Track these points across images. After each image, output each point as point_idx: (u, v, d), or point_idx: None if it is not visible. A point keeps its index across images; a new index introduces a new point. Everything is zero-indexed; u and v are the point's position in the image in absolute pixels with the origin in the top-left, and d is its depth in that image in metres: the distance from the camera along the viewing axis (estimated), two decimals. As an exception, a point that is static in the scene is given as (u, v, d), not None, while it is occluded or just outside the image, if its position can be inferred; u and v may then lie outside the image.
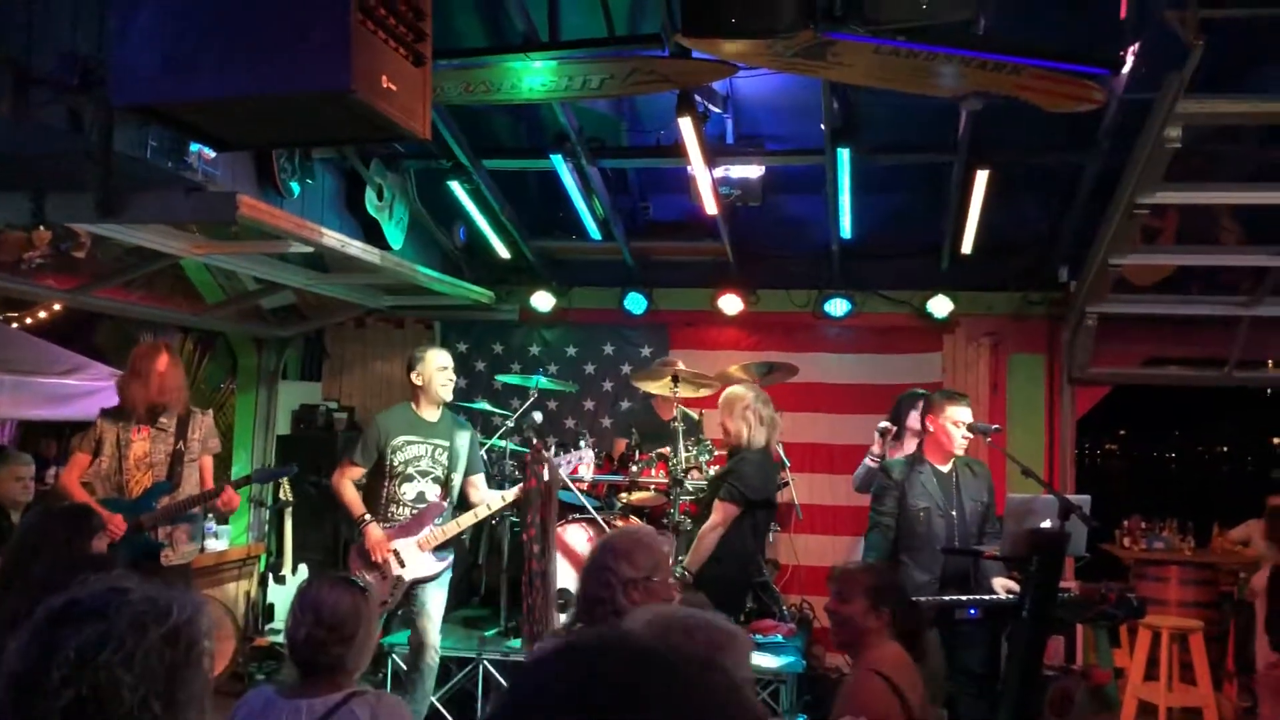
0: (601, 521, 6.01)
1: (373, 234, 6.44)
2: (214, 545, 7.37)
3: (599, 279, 7.88)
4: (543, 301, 7.77)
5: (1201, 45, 4.59)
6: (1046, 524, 4.43)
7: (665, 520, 6.15)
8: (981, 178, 6.14)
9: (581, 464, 5.85)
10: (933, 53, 4.87)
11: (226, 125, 3.59)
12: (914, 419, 5.63)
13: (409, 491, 5.43)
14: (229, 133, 3.68)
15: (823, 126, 5.99)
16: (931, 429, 4.98)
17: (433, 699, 5.85)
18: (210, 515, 7.30)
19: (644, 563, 3.01)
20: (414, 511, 5.42)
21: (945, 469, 5.00)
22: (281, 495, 7.36)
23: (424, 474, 5.45)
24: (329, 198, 6.16)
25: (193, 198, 4.18)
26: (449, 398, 5.51)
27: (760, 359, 7.00)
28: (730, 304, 7.59)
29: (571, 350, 8.04)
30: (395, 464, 5.39)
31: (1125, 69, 5.13)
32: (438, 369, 5.48)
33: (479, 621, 6.59)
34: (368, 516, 5.36)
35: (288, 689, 2.62)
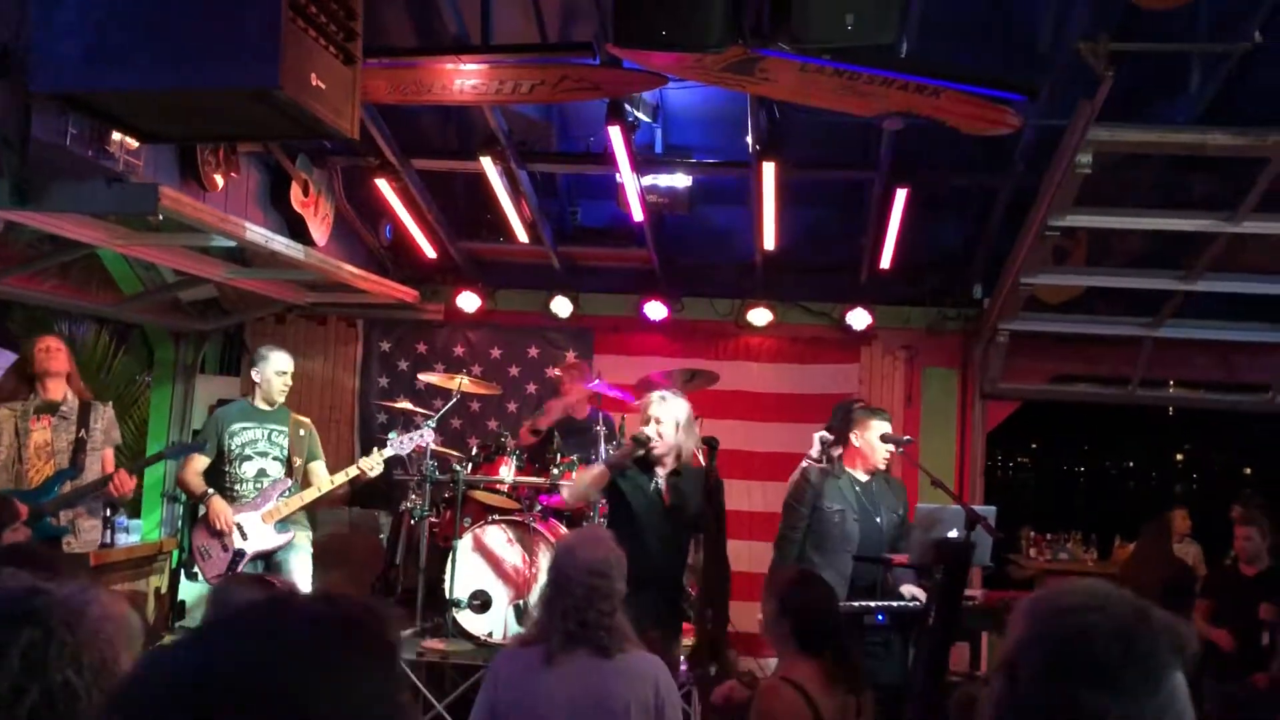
0: (546, 525, 6.06)
1: (298, 230, 6.40)
2: (125, 540, 7.23)
3: (525, 282, 7.91)
4: (468, 303, 7.77)
5: (1111, 76, 4.78)
6: (953, 534, 4.57)
7: (585, 523, 6.20)
8: (901, 196, 6.30)
9: (424, 443, 5.89)
10: (856, 72, 5.00)
11: (150, 117, 3.57)
12: (855, 436, 5.74)
13: (249, 470, 5.62)
14: (153, 124, 3.67)
15: (749, 140, 6.09)
16: (856, 443, 5.11)
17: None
18: (120, 508, 7.20)
19: (623, 572, 3.04)
20: (258, 488, 5.59)
21: (864, 479, 5.13)
22: (188, 498, 7.25)
23: (263, 454, 5.66)
24: (254, 192, 6.11)
25: (114, 188, 4.13)
26: (282, 400, 5.76)
27: (683, 366, 7.07)
28: (655, 310, 7.67)
29: (496, 352, 8.04)
30: (233, 448, 5.60)
31: (1040, 96, 5.32)
32: (276, 372, 5.71)
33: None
34: (210, 491, 5.54)
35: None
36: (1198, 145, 5.22)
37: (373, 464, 5.72)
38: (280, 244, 5.56)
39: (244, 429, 5.66)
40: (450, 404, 6.48)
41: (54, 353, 5.36)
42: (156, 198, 4.15)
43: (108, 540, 6.78)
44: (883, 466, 5.08)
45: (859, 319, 7.50)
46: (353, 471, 5.71)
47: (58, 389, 5.37)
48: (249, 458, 5.63)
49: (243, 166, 5.88)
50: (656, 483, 4.68)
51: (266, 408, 5.73)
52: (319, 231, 6.55)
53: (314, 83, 3.30)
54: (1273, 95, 5.37)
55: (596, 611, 2.86)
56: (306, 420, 5.93)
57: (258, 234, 5.23)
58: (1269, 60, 5.16)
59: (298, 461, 5.73)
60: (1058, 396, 7.82)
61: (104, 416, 5.48)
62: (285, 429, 5.72)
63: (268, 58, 2.99)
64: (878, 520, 5.03)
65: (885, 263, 7.06)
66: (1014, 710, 1.40)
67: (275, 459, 5.68)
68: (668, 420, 4.68)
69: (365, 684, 0.93)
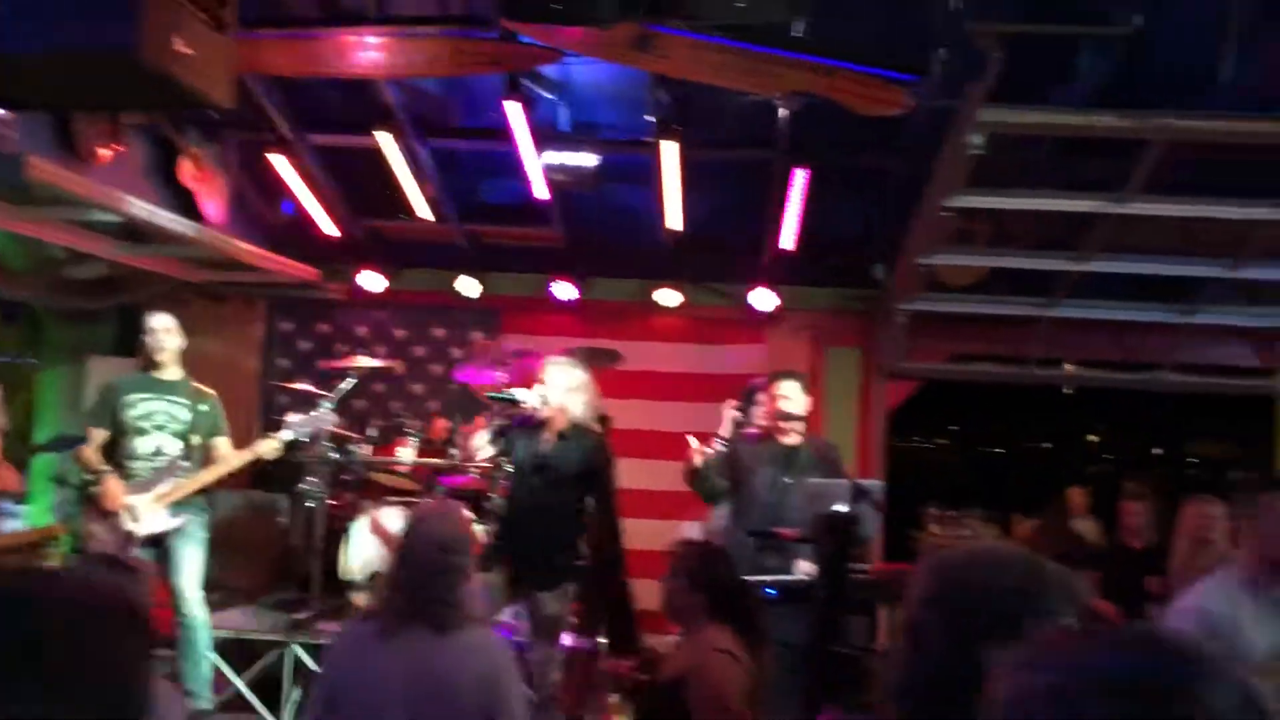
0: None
1: (190, 206, 6.24)
2: (13, 525, 7.02)
3: (430, 261, 7.82)
4: (372, 282, 7.66)
5: (999, 58, 4.86)
6: (840, 507, 4.62)
7: (485, 504, 6.15)
8: (800, 176, 6.34)
9: (323, 426, 5.75)
10: (749, 51, 5.02)
11: (12, 82, 3.44)
12: (758, 413, 5.81)
13: (145, 445, 5.35)
14: (16, 91, 3.53)
15: (648, 118, 6.08)
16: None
17: (239, 682, 5.74)
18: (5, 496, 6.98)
19: (471, 547, 3.03)
20: (153, 468, 5.35)
21: (786, 443, 5.24)
22: (86, 475, 7.05)
23: (159, 428, 5.39)
24: (142, 166, 5.94)
25: (-22, 158, 3.98)
26: (160, 358, 5.44)
27: (591, 345, 7.06)
28: (563, 291, 7.64)
29: (401, 332, 7.95)
30: (129, 419, 5.34)
31: (933, 76, 5.39)
32: (162, 330, 5.44)
33: (293, 605, 6.46)
34: (105, 468, 5.30)
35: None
36: (1085, 127, 5.33)
37: (270, 448, 5.52)
38: (167, 219, 5.42)
39: (141, 400, 5.38)
40: (348, 385, 6.35)
41: None
42: (21, 166, 4.00)
43: (-7, 526, 6.59)
44: (783, 423, 5.23)
45: (764, 300, 7.55)
46: (249, 456, 5.50)
47: None
48: (145, 432, 5.35)
49: (131, 140, 5.70)
50: (540, 444, 4.84)
51: (166, 378, 5.46)
52: (213, 207, 6.39)
53: (179, 48, 3.19)
54: (1162, 79, 5.50)
55: (438, 587, 2.83)
56: (211, 393, 5.65)
57: (141, 208, 5.09)
58: (1159, 44, 5.28)
59: (196, 439, 5.48)
60: (957, 376, 7.96)
61: None
62: (186, 402, 5.45)
63: (123, 16, 2.89)
64: (785, 482, 5.13)
65: (788, 244, 7.11)
66: (920, 668, 1.44)
67: (173, 434, 5.40)
68: (554, 384, 4.83)
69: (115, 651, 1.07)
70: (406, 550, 2.90)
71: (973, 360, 7.79)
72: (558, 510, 4.90)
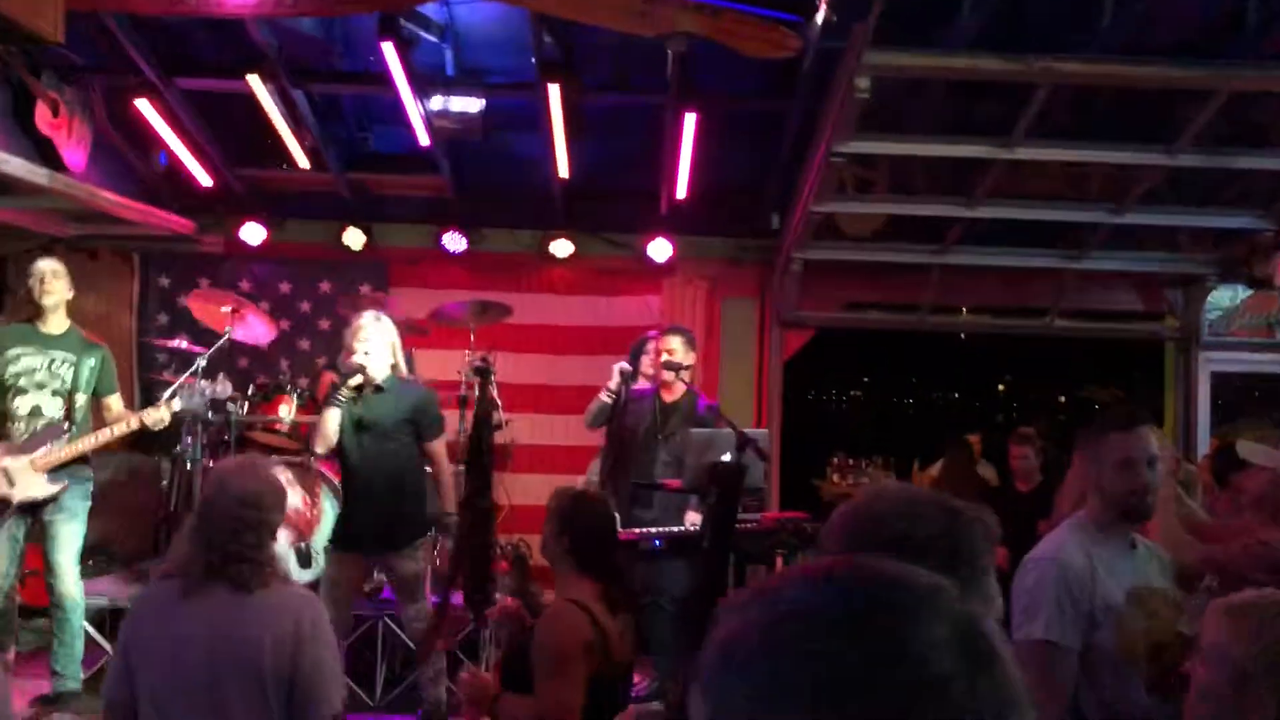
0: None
1: (49, 154, 5.90)
2: None
3: (314, 212, 7.52)
4: (252, 234, 7.35)
5: (884, -1, 4.78)
6: (726, 457, 4.57)
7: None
8: (690, 121, 6.21)
9: (219, 394, 5.53)
10: (629, -13, 4.86)
11: None
12: (645, 363, 5.77)
13: (23, 405, 5.09)
14: None
15: (532, 60, 5.89)
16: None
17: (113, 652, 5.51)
18: None
19: (280, 505, 2.90)
20: (31, 429, 5.09)
21: (669, 401, 5.40)
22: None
23: (40, 386, 5.13)
24: (-9, 111, 5.59)
25: None
26: (47, 303, 5.15)
27: (482, 299, 6.88)
28: (453, 242, 7.43)
29: (285, 287, 7.68)
30: (7, 376, 5.08)
31: (819, 17, 5.29)
32: (31, 276, 5.16)
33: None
34: None
35: None
36: (969, 70, 5.31)
37: (158, 418, 5.23)
38: (18, 166, 5.10)
39: (21, 355, 5.08)
40: (218, 343, 6.10)
41: None
42: None
43: None
44: (666, 378, 5.38)
45: (660, 250, 7.43)
46: (134, 424, 5.20)
47: None
48: (24, 390, 5.07)
49: (-24, 83, 5.35)
50: (355, 401, 4.82)
51: (51, 331, 5.15)
52: (74, 155, 6.05)
53: (-7, -27, 2.95)
54: (1046, 23, 5.47)
55: (240, 544, 2.71)
56: (101, 345, 5.35)
57: (-16, 154, 4.77)
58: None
59: (81, 399, 5.19)
60: (851, 324, 7.96)
61: None
62: (72, 357, 5.16)
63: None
64: (659, 438, 5.25)
65: (681, 192, 7.00)
66: None
67: (55, 393, 5.12)
68: (381, 341, 4.81)
69: None
70: (207, 508, 2.76)
71: (867, 308, 7.80)
72: (390, 465, 4.84)
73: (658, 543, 4.72)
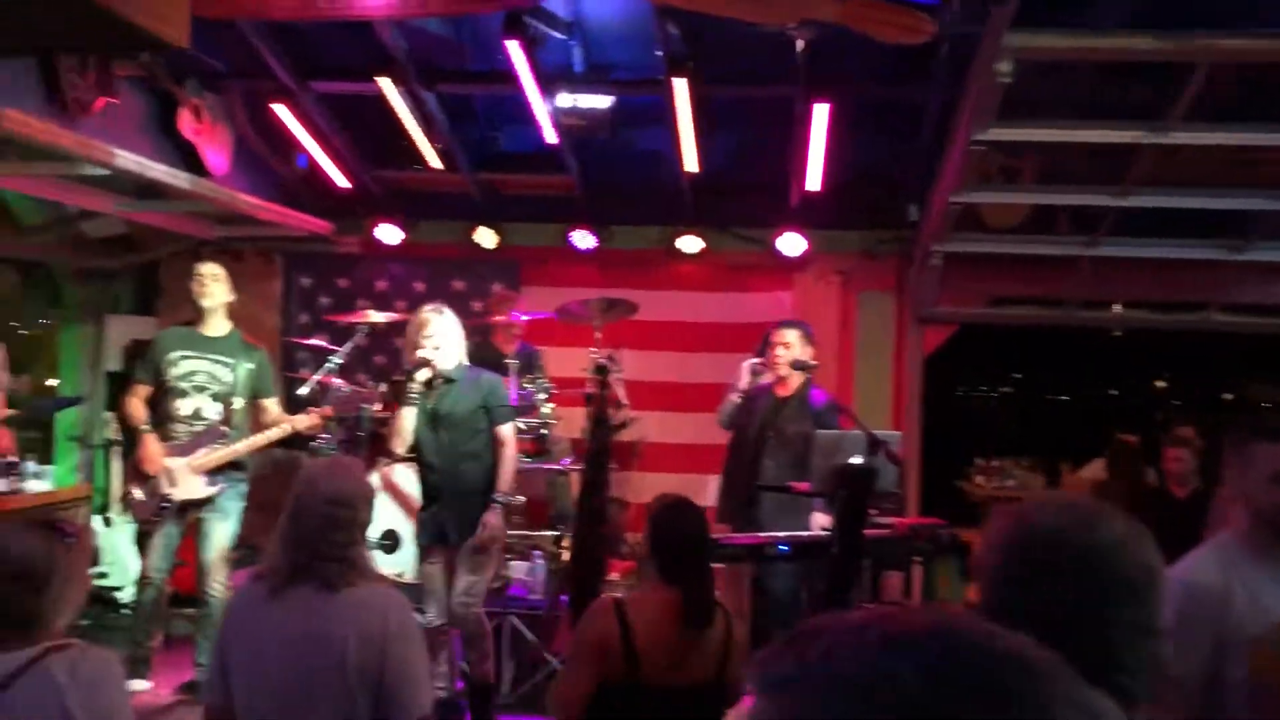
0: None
1: (194, 159, 6.10)
2: (37, 486, 7.02)
3: (447, 212, 7.61)
4: (388, 235, 7.49)
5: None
6: (856, 459, 4.39)
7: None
8: (821, 111, 6.02)
9: (368, 402, 5.60)
10: (755, -25, 4.72)
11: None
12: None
13: (184, 407, 5.25)
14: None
15: (659, 54, 5.80)
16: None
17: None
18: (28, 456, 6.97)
19: (371, 504, 2.88)
20: (192, 430, 5.24)
21: (782, 396, 5.25)
22: (109, 434, 7.05)
23: (200, 389, 5.27)
24: (139, 119, 5.80)
25: (-64, 109, 3.84)
26: (206, 303, 5.35)
27: (610, 296, 6.84)
28: (582, 240, 7.42)
29: (420, 286, 7.79)
30: (171, 378, 5.24)
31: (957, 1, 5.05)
32: (194, 281, 5.38)
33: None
34: (145, 427, 5.22)
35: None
36: (1120, 50, 4.98)
37: (311, 424, 5.41)
38: (161, 172, 5.28)
39: (184, 358, 5.25)
40: (353, 341, 6.22)
41: None
42: (-10, 119, 3.86)
43: (12, 489, 6.58)
44: (784, 373, 5.21)
45: (792, 244, 7.25)
46: (288, 429, 5.37)
47: None
48: (185, 393, 5.24)
49: (123, 91, 5.54)
50: (427, 396, 4.79)
51: (212, 334, 5.33)
52: (216, 160, 6.24)
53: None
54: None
55: (329, 543, 2.67)
56: (260, 351, 5.51)
57: (129, 160, 4.95)
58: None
59: (238, 402, 5.34)
60: (995, 319, 7.63)
61: None
62: (231, 361, 5.31)
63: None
64: (783, 435, 5.11)
65: (814, 184, 6.80)
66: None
67: (214, 396, 5.28)
68: (447, 335, 4.78)
69: None
70: (298, 508, 2.73)
71: (1012, 303, 7.45)
72: (468, 457, 4.80)
73: (784, 547, 4.56)
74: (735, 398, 5.55)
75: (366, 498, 2.81)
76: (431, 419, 4.77)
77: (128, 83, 5.65)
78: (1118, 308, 7.83)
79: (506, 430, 4.88)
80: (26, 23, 3.17)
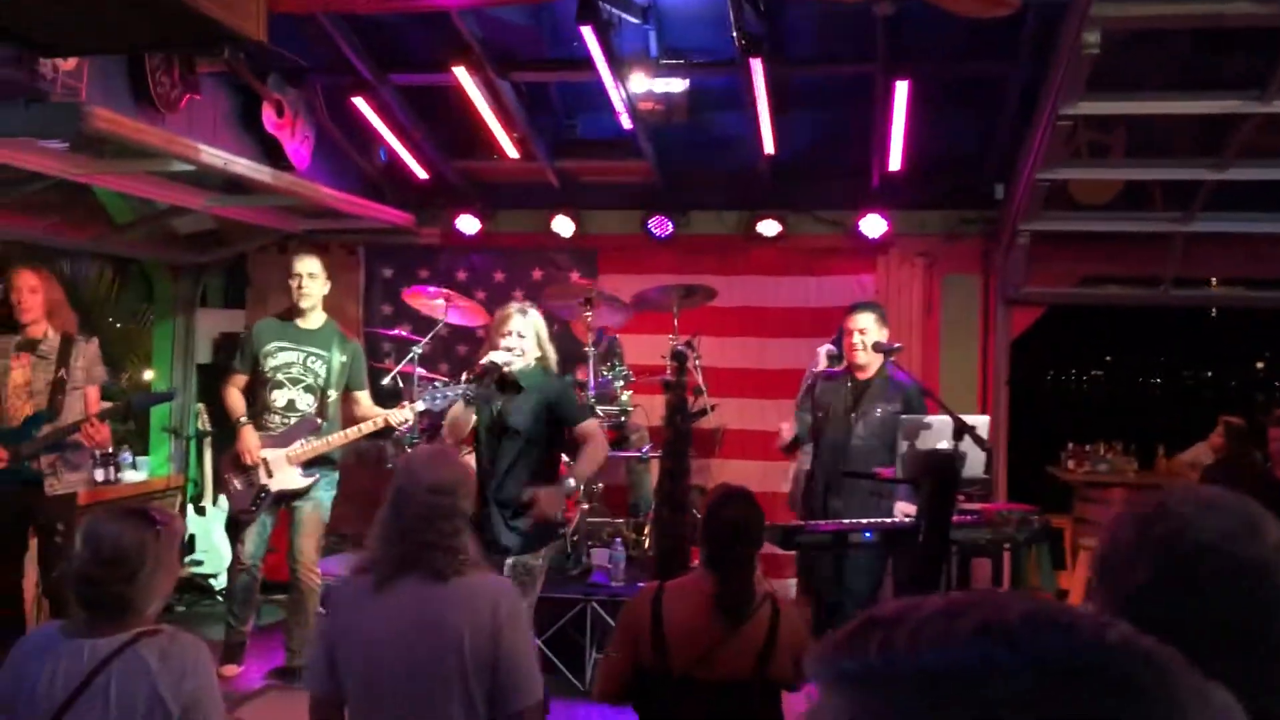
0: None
1: (276, 154, 6.20)
2: (133, 476, 7.25)
3: (525, 201, 7.63)
4: (467, 225, 7.54)
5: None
6: (943, 445, 4.30)
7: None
8: (902, 89, 5.89)
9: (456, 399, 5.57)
10: (832, -49, 4.62)
11: (39, 25, 3.35)
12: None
13: (279, 398, 5.36)
14: (45, 34, 3.45)
15: (735, 36, 5.72)
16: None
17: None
18: (125, 447, 7.19)
19: (472, 494, 2.87)
20: (286, 421, 5.35)
21: (863, 379, 5.12)
22: (200, 425, 7.22)
23: (295, 381, 5.38)
24: (223, 115, 5.90)
25: (33, 109, 3.94)
26: (304, 305, 5.41)
27: (689, 282, 6.80)
28: (659, 226, 7.38)
29: (500, 275, 7.83)
30: (267, 370, 5.34)
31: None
32: (291, 275, 5.42)
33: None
34: (244, 419, 5.34)
35: (72, 628, 2.45)
36: (1214, 16, 4.77)
37: (402, 419, 5.41)
38: (244, 166, 5.37)
39: (280, 349, 5.36)
40: (433, 331, 6.28)
41: (28, 291, 5.19)
42: (81, 117, 3.95)
43: (111, 479, 6.79)
44: (861, 360, 5.09)
45: (874, 226, 7.13)
46: (380, 423, 5.42)
47: (37, 327, 5.24)
48: (280, 385, 5.36)
49: (207, 88, 5.65)
50: (497, 401, 4.51)
51: (307, 326, 5.42)
52: (299, 154, 6.34)
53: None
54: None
55: (435, 532, 2.64)
56: (354, 343, 5.58)
57: (215, 156, 5.04)
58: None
59: (333, 394, 5.44)
60: (1087, 300, 7.41)
61: (85, 354, 5.28)
62: (325, 354, 5.41)
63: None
64: (867, 419, 4.99)
65: (895, 164, 6.66)
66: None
67: (307, 388, 5.39)
68: (529, 334, 4.55)
69: None
70: (400, 499, 2.72)
71: (1103, 282, 7.22)
72: (523, 471, 4.47)
73: (868, 534, 4.49)
74: (808, 382, 5.49)
75: (467, 485, 2.79)
76: (491, 427, 4.52)
77: (211, 80, 5.75)
78: (1214, 286, 7.57)
79: (586, 426, 4.62)
80: (112, 22, 3.23)
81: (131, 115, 4.87)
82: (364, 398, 5.57)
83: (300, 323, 5.41)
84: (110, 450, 6.50)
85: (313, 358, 5.39)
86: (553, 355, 4.67)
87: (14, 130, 4.11)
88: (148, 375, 8.22)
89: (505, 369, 4.44)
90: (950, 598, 0.60)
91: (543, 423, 4.49)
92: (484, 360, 4.49)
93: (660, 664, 2.92)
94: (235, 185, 6.29)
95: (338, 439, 5.39)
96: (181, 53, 5.10)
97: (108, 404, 5.50)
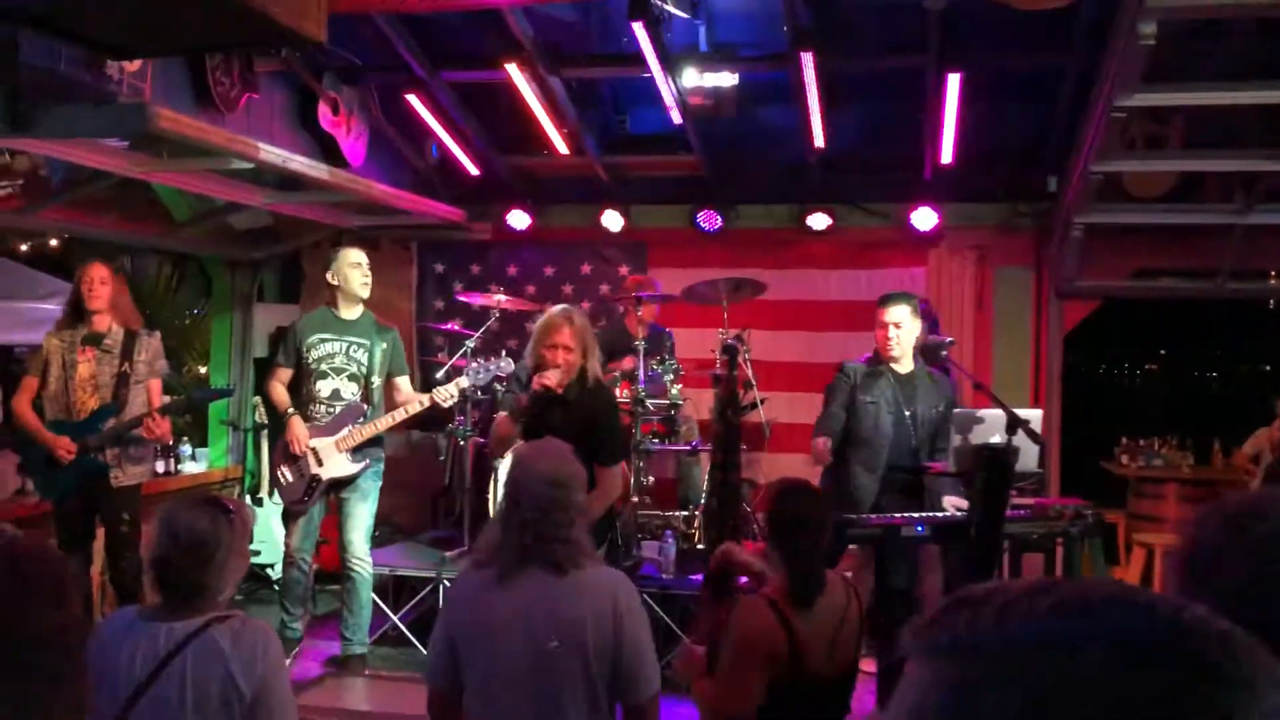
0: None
1: (332, 151, 6.30)
2: (192, 468, 7.40)
3: (574, 196, 7.69)
4: (518, 220, 7.61)
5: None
6: (995, 439, 4.29)
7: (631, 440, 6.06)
8: (954, 81, 5.86)
9: (502, 373, 5.60)
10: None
11: (108, 29, 3.45)
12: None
13: (324, 389, 5.43)
14: (114, 37, 3.54)
15: (785, 29, 5.73)
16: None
17: (394, 617, 5.86)
18: (185, 440, 7.34)
19: (585, 487, 2.88)
20: (331, 410, 5.42)
21: (904, 372, 5.06)
22: (257, 418, 7.35)
23: (339, 370, 5.45)
24: (280, 113, 6.00)
25: (102, 110, 4.05)
26: (365, 294, 5.51)
27: (739, 276, 6.81)
28: (708, 220, 7.40)
29: (549, 270, 7.89)
30: (310, 361, 5.42)
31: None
32: (350, 265, 5.49)
33: (446, 542, 6.58)
34: (291, 410, 5.41)
35: (150, 612, 2.54)
36: (1275, 4, 4.70)
37: (447, 395, 5.45)
38: (301, 164, 5.46)
39: (322, 341, 5.44)
40: (485, 325, 6.34)
41: (99, 282, 5.30)
42: (146, 117, 4.05)
43: (171, 470, 6.95)
44: (895, 352, 5.02)
45: (924, 219, 7.09)
46: (425, 403, 5.47)
47: (102, 320, 5.36)
48: (325, 375, 5.43)
49: (265, 87, 5.75)
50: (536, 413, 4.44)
51: (349, 316, 5.50)
52: (353, 151, 6.43)
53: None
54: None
55: (552, 524, 2.68)
56: (392, 331, 5.67)
57: (273, 154, 5.13)
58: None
59: (376, 381, 5.52)
60: (1141, 293, 7.34)
61: (148, 347, 5.39)
62: (366, 342, 5.49)
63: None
64: (916, 414, 4.93)
65: (947, 157, 6.63)
66: None
67: (351, 377, 5.47)
68: (576, 345, 4.42)
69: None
70: (517, 492, 2.75)
71: (1158, 275, 7.14)
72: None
73: (920, 528, 4.49)
74: (839, 411, 5.20)
75: (580, 478, 2.81)
76: (535, 435, 4.39)
77: (268, 78, 5.85)
78: (1273, 278, 7.45)
79: (611, 471, 4.48)
80: (177, 24, 3.32)
81: (192, 114, 4.98)
82: (404, 383, 5.65)
83: (341, 314, 5.50)
84: (170, 442, 6.63)
85: (355, 346, 5.48)
86: (596, 363, 4.57)
87: (85, 131, 4.22)
88: (202, 370, 8.39)
89: (558, 390, 4.40)
90: (1035, 579, 0.63)
91: (583, 439, 4.37)
92: (537, 386, 4.41)
93: (796, 670, 2.88)
94: (290, 182, 6.41)
95: (384, 422, 5.46)
96: (243, 53, 5.19)
97: (169, 398, 5.62)
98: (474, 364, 5.64)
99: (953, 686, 0.60)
